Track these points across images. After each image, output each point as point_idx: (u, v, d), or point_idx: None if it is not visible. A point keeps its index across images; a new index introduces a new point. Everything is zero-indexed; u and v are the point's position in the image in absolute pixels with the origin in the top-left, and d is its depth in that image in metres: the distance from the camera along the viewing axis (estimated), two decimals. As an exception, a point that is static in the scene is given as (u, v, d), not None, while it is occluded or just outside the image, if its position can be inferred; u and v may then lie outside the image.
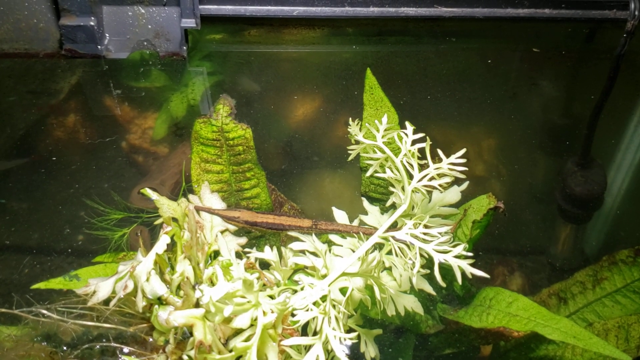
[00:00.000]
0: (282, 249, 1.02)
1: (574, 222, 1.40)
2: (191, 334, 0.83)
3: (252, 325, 0.83)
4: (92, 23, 1.69)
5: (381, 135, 0.97)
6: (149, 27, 1.74)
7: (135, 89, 1.66)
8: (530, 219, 1.38)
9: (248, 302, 0.83)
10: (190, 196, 1.08)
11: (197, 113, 1.59)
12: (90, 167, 1.41)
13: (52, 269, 1.19)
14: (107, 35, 1.74)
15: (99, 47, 1.73)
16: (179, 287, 0.89)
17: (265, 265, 1.00)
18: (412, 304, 0.97)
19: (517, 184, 1.47)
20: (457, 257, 0.82)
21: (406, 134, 0.95)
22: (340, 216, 1.07)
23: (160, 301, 0.88)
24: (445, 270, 0.89)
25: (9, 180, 1.39)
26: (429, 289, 0.99)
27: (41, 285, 1.00)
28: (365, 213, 1.09)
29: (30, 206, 1.33)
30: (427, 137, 0.94)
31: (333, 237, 1.05)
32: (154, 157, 1.46)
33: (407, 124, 0.97)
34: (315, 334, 0.85)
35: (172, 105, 1.61)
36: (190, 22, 1.74)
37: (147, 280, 0.87)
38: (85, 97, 1.66)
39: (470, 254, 0.84)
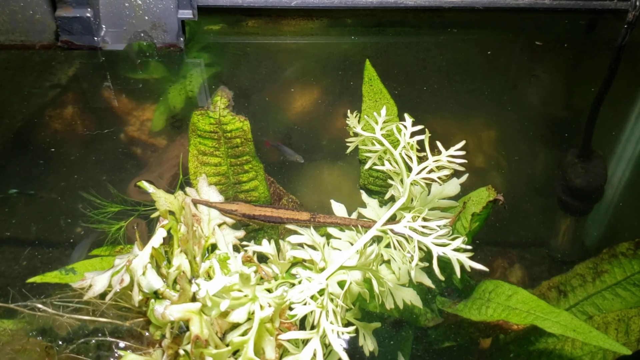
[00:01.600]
0: (280, 242, 1.02)
1: (574, 214, 1.39)
2: (188, 328, 0.83)
3: (249, 319, 0.83)
4: (88, 14, 1.67)
5: (380, 128, 0.96)
6: (146, 18, 1.72)
7: (133, 80, 1.65)
8: (530, 211, 1.37)
9: (245, 296, 0.82)
10: (188, 189, 1.07)
11: (194, 105, 1.59)
12: (88, 159, 1.41)
13: (50, 261, 1.18)
14: (103, 26, 1.73)
15: (96, 38, 1.71)
16: (175, 281, 0.88)
17: (263, 258, 1.00)
18: (410, 297, 0.97)
19: (517, 175, 1.46)
20: (456, 250, 0.82)
21: (405, 126, 0.94)
22: (338, 209, 1.07)
23: (157, 295, 0.87)
24: (444, 263, 0.89)
25: (7, 172, 1.38)
26: (427, 282, 0.99)
27: (37, 279, 1.00)
28: (364, 206, 1.08)
29: (29, 198, 1.32)
30: (426, 130, 0.93)
31: (331, 230, 1.04)
32: (152, 149, 1.45)
33: (406, 116, 0.96)
34: (312, 327, 0.84)
35: (169, 97, 1.60)
36: (187, 13, 1.73)
37: (144, 274, 0.86)
38: (83, 89, 1.65)
39: (470, 247, 0.83)
